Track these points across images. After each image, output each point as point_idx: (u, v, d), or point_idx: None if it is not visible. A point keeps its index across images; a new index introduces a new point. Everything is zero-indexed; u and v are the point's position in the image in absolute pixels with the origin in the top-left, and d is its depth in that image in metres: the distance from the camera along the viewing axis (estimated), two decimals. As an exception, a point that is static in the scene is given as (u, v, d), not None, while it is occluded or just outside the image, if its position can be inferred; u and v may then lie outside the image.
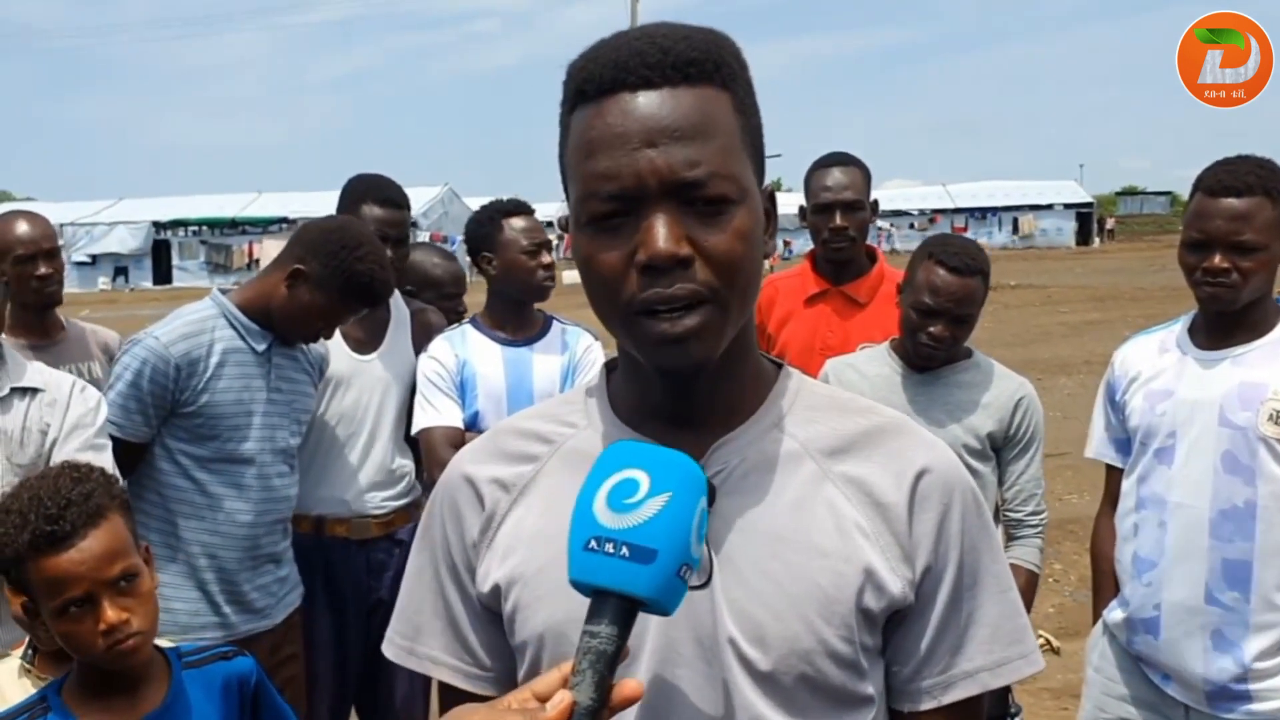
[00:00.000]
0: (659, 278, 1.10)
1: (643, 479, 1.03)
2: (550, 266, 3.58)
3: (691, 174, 1.10)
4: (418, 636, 1.33)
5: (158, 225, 44.03)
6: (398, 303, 3.63)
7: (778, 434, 1.23)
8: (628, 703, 1.01)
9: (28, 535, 1.91)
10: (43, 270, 3.59)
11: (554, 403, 1.37)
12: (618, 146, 1.11)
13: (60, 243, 3.89)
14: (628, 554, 1.00)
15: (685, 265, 1.10)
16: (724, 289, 1.13)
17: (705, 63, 1.14)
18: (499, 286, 3.60)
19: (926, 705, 1.22)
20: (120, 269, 43.33)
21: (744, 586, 1.16)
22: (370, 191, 3.62)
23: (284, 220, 40.99)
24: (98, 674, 1.99)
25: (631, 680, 1.02)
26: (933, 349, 3.03)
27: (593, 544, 1.02)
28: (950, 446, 1.29)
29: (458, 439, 3.34)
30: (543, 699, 0.99)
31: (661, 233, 1.10)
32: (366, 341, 3.52)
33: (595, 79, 1.14)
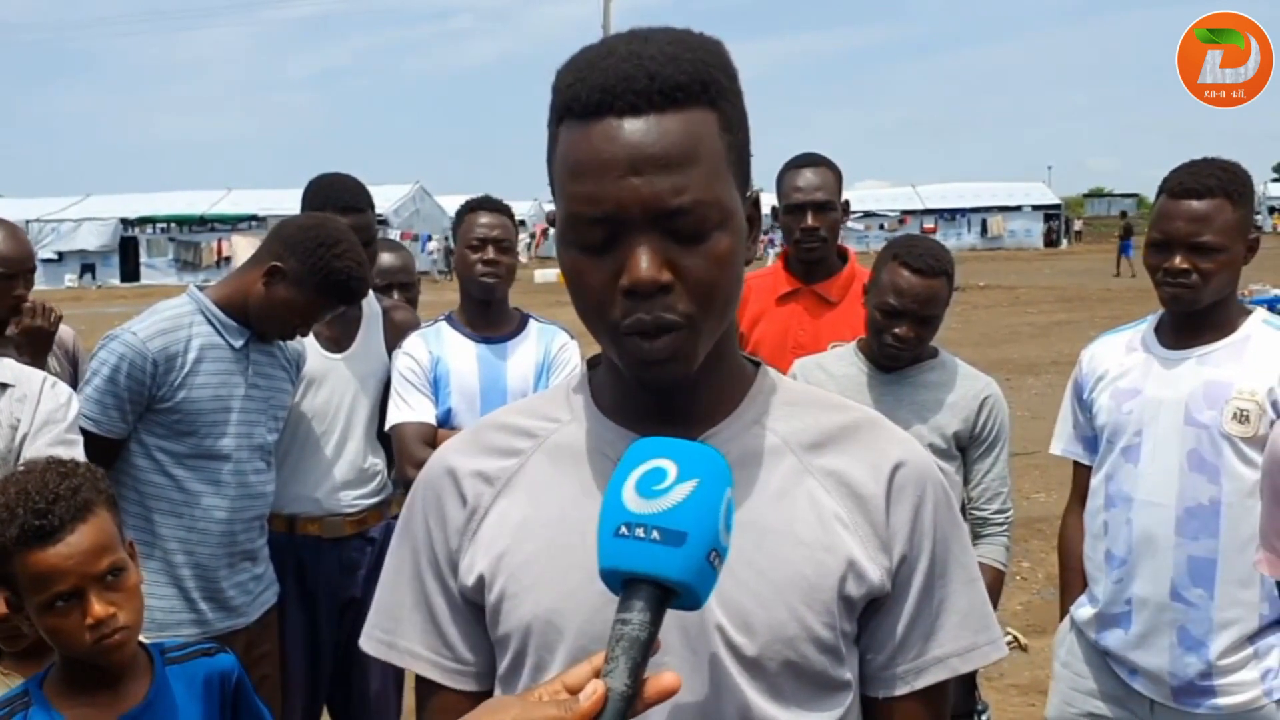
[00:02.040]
0: (640, 302, 1.13)
1: (670, 467, 1.05)
2: (493, 263, 3.52)
3: (675, 201, 1.12)
4: (397, 630, 1.34)
5: (126, 222, 43.64)
6: (369, 301, 3.62)
7: (759, 429, 1.26)
8: (664, 695, 1.02)
9: (15, 529, 1.90)
10: (16, 294, 3.50)
11: (537, 398, 1.39)
12: (603, 173, 1.13)
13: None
14: (658, 537, 1.02)
15: (666, 291, 1.13)
16: (700, 314, 1.16)
17: (692, 85, 1.14)
18: (460, 282, 3.63)
19: (900, 690, 1.26)
20: (87, 266, 42.94)
21: (730, 575, 1.17)
22: (331, 199, 3.58)
23: (254, 217, 40.71)
24: (80, 669, 1.99)
25: (670, 672, 1.03)
26: (897, 349, 3.06)
27: (623, 529, 1.03)
28: None
29: (430, 435, 3.36)
30: (573, 690, 1.00)
31: (644, 262, 1.12)
32: (338, 340, 3.52)
33: (581, 100, 1.15)
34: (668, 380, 1.18)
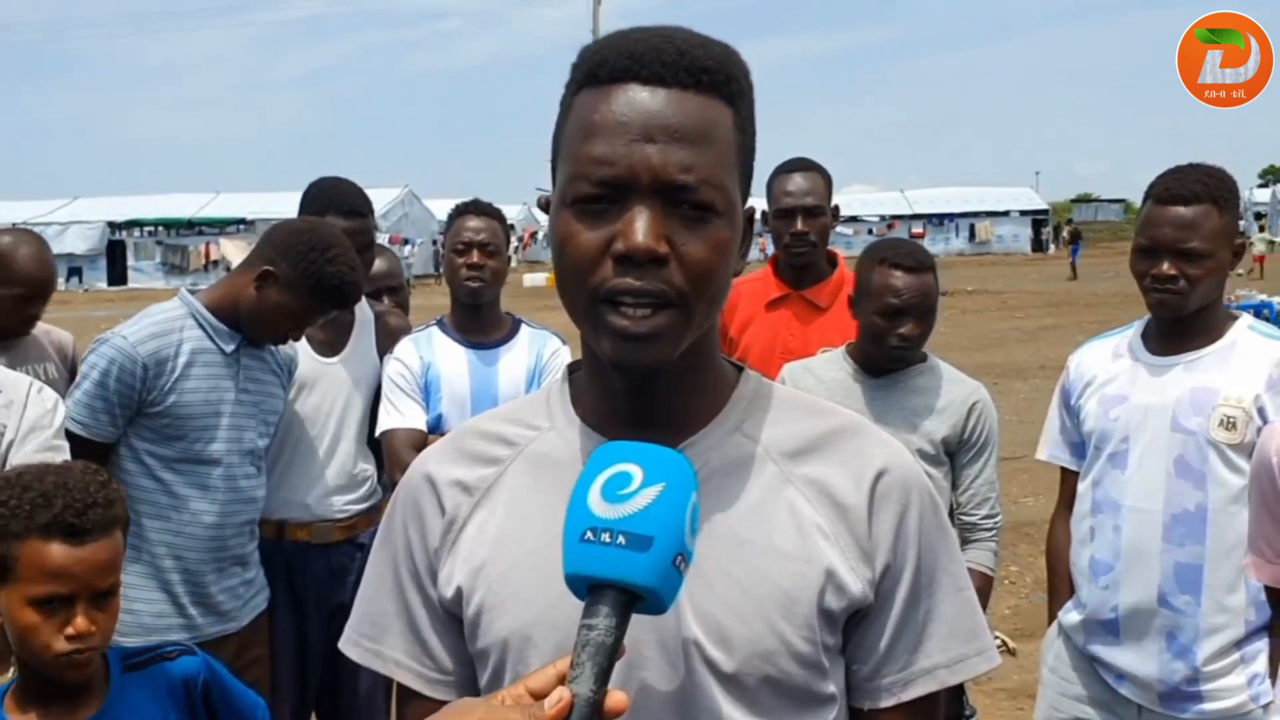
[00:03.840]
0: (631, 269, 1.11)
1: (636, 472, 1.04)
2: (477, 267, 3.51)
3: (683, 177, 1.12)
4: (382, 638, 1.32)
5: (113, 225, 43.54)
6: (361, 306, 3.60)
7: (739, 437, 1.24)
8: (613, 714, 1.00)
9: (48, 517, 1.90)
10: (31, 312, 3.52)
11: (518, 404, 1.37)
12: (617, 134, 1.12)
13: None
14: (624, 542, 1.01)
15: (660, 264, 1.12)
16: (692, 295, 1.14)
17: (717, 74, 1.16)
18: (449, 287, 3.63)
19: (886, 703, 1.23)
20: (74, 269, 42.74)
21: (707, 589, 1.17)
22: (333, 202, 3.58)
23: (242, 221, 40.66)
24: (38, 679, 1.98)
25: (619, 692, 1.01)
26: (904, 349, 3.03)
27: (588, 534, 1.02)
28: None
29: (420, 441, 3.34)
30: (537, 695, 0.99)
31: (642, 227, 1.11)
32: (330, 344, 3.51)
33: (608, 65, 1.15)
34: (648, 361, 1.15)
